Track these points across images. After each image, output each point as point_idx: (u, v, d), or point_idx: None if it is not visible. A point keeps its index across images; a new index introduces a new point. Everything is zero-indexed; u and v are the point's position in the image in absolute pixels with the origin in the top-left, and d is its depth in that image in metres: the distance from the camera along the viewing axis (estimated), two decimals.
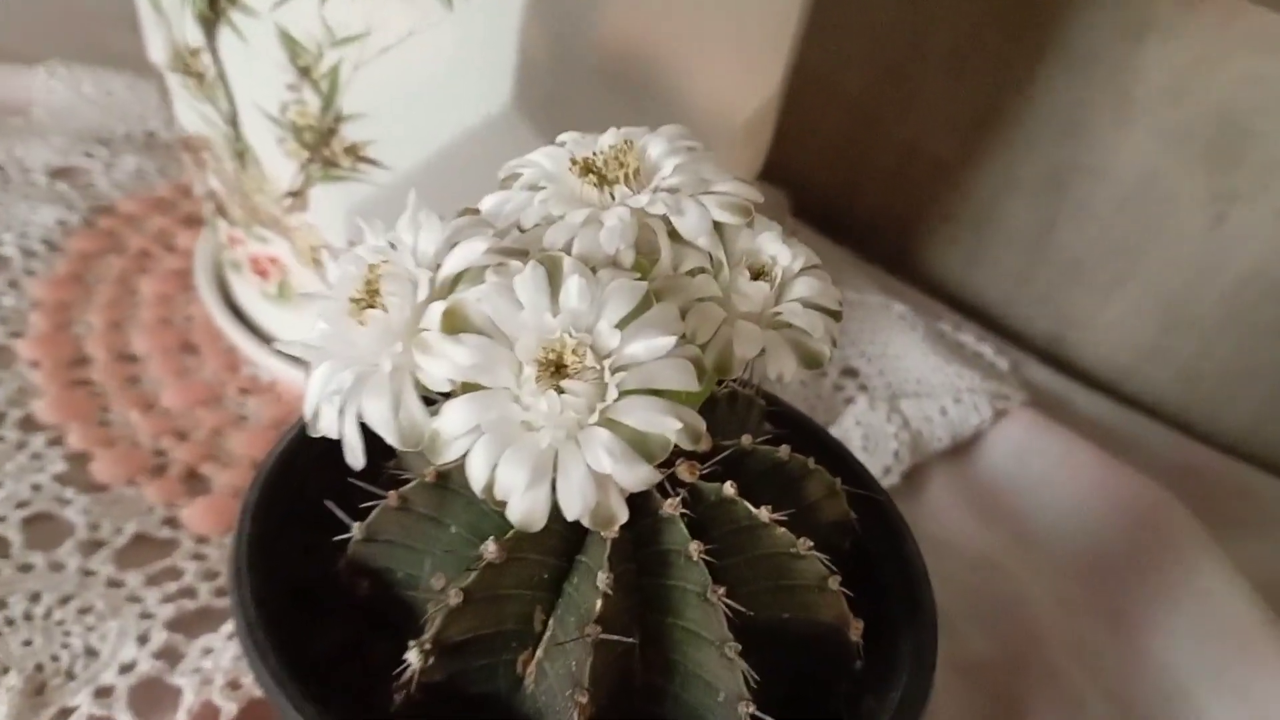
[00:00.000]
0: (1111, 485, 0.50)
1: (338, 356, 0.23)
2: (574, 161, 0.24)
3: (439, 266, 0.22)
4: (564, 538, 0.25)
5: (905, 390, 0.55)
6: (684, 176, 0.23)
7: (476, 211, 0.24)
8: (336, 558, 0.29)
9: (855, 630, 0.26)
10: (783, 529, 0.25)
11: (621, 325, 0.21)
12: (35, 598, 0.38)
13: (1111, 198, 0.57)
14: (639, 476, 0.20)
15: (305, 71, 0.39)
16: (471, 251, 0.22)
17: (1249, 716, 0.42)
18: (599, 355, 0.20)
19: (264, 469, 0.29)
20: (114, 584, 0.40)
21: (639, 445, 0.20)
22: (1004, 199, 0.61)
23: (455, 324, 0.21)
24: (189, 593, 0.40)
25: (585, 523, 0.20)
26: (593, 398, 0.20)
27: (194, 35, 0.41)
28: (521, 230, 0.24)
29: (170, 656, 0.38)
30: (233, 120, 0.42)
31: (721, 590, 0.24)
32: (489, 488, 0.20)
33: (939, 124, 0.62)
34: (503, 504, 0.20)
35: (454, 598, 0.24)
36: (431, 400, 0.22)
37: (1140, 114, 0.54)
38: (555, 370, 0.20)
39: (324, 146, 0.41)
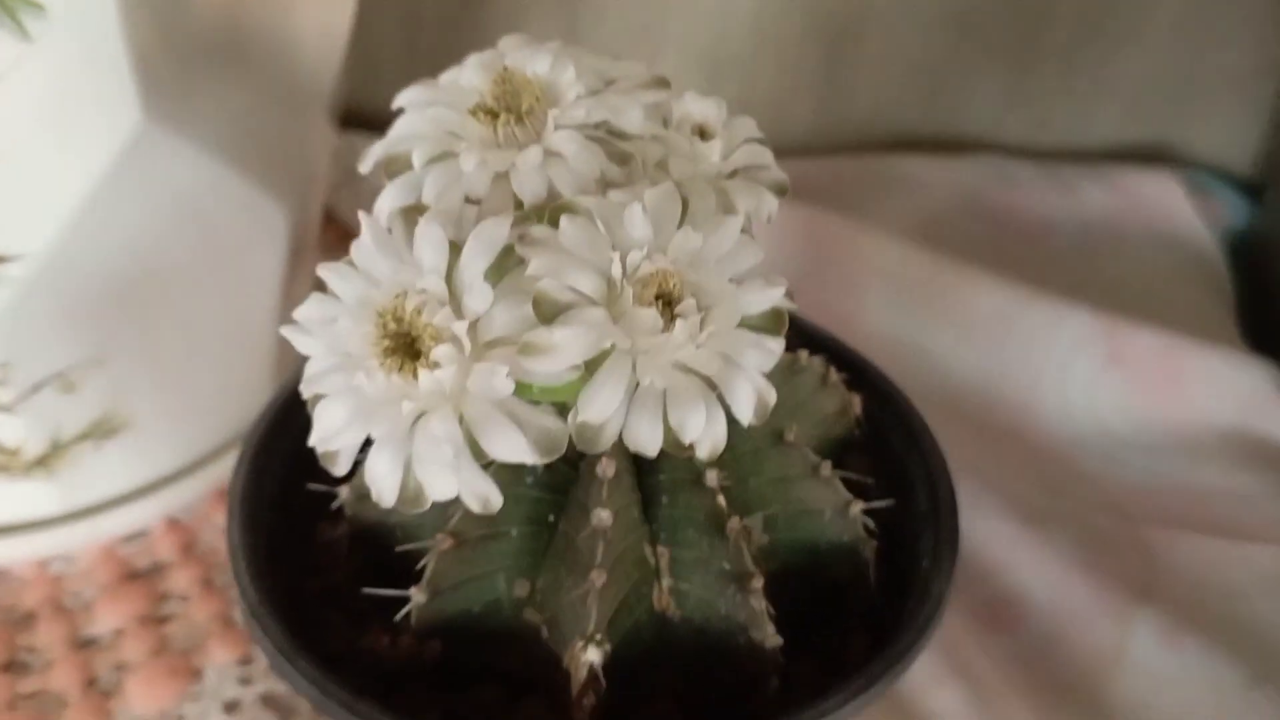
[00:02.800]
0: (774, 227, 0.56)
1: (396, 422, 0.20)
2: (472, 111, 0.22)
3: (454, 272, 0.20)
4: (631, 471, 0.24)
5: None
6: (587, 78, 0.22)
7: (419, 209, 0.21)
8: (371, 644, 0.26)
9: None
10: (805, 449, 0.26)
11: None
12: None
13: None
14: (777, 350, 0.20)
15: None
16: (495, 236, 0.19)
17: (965, 332, 0.51)
18: (689, 267, 0.20)
19: (253, 604, 0.25)
20: None
21: (766, 325, 0.20)
22: (522, 27, 0.62)
23: (548, 311, 0.19)
24: None
25: (756, 421, 0.20)
26: (701, 310, 0.20)
27: None
28: (474, 201, 0.21)
29: None
30: None
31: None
32: (670, 442, 0.19)
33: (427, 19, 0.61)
34: (689, 447, 0.20)
35: (598, 579, 0.23)
36: None
37: None
38: (665, 302, 0.19)
39: None
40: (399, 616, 0.24)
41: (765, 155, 0.24)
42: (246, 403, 0.44)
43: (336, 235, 0.55)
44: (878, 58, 0.62)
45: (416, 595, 0.24)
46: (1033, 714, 0.38)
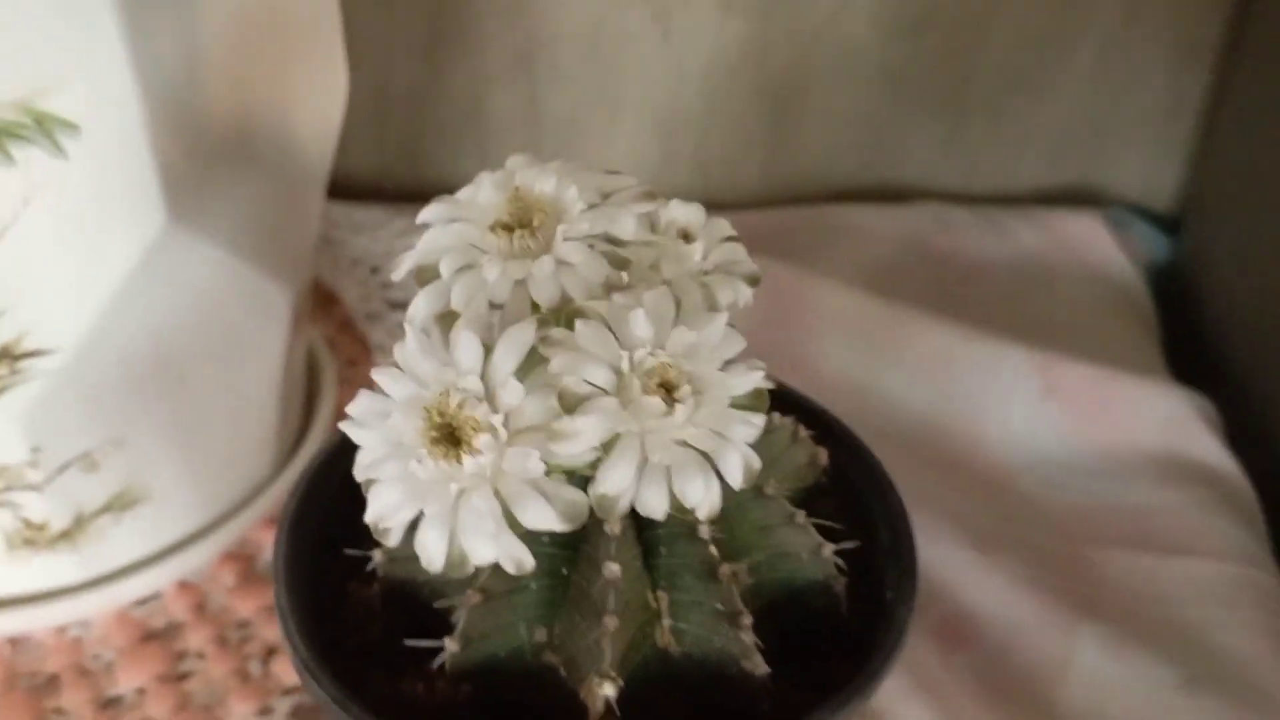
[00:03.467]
0: None
1: (441, 499, 0.23)
2: (491, 227, 0.26)
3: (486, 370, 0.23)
4: (632, 528, 0.28)
5: None
6: (589, 194, 0.26)
7: (453, 315, 0.25)
8: (411, 691, 0.29)
9: (840, 585, 0.32)
10: (782, 500, 0.29)
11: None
12: None
13: (575, 55, 0.64)
14: (761, 424, 0.24)
15: None
16: (523, 339, 0.23)
17: (915, 373, 0.55)
18: (684, 358, 0.24)
19: (305, 661, 0.28)
20: None
21: (751, 404, 0.24)
22: (486, 97, 0.66)
23: (570, 403, 0.23)
24: None
25: (745, 484, 0.24)
26: (694, 393, 0.24)
27: None
28: (496, 306, 0.25)
29: None
30: None
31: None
32: (676, 506, 0.23)
33: (398, 52, 0.65)
34: (690, 511, 0.23)
35: (611, 623, 0.26)
36: None
37: None
38: (666, 389, 0.23)
39: None
40: (435, 664, 0.27)
41: (739, 251, 0.28)
42: (251, 467, 0.47)
43: (318, 297, 0.59)
44: (820, 113, 0.66)
45: (450, 645, 0.27)
46: None
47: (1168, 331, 0.61)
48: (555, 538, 0.28)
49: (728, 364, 0.24)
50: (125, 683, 0.43)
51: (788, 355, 0.57)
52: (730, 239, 0.28)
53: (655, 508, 0.23)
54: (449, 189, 0.27)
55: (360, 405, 0.24)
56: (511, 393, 0.23)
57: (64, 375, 0.36)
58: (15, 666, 0.44)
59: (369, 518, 0.24)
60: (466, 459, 0.22)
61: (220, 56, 0.36)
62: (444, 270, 0.26)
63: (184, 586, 0.47)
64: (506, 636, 0.28)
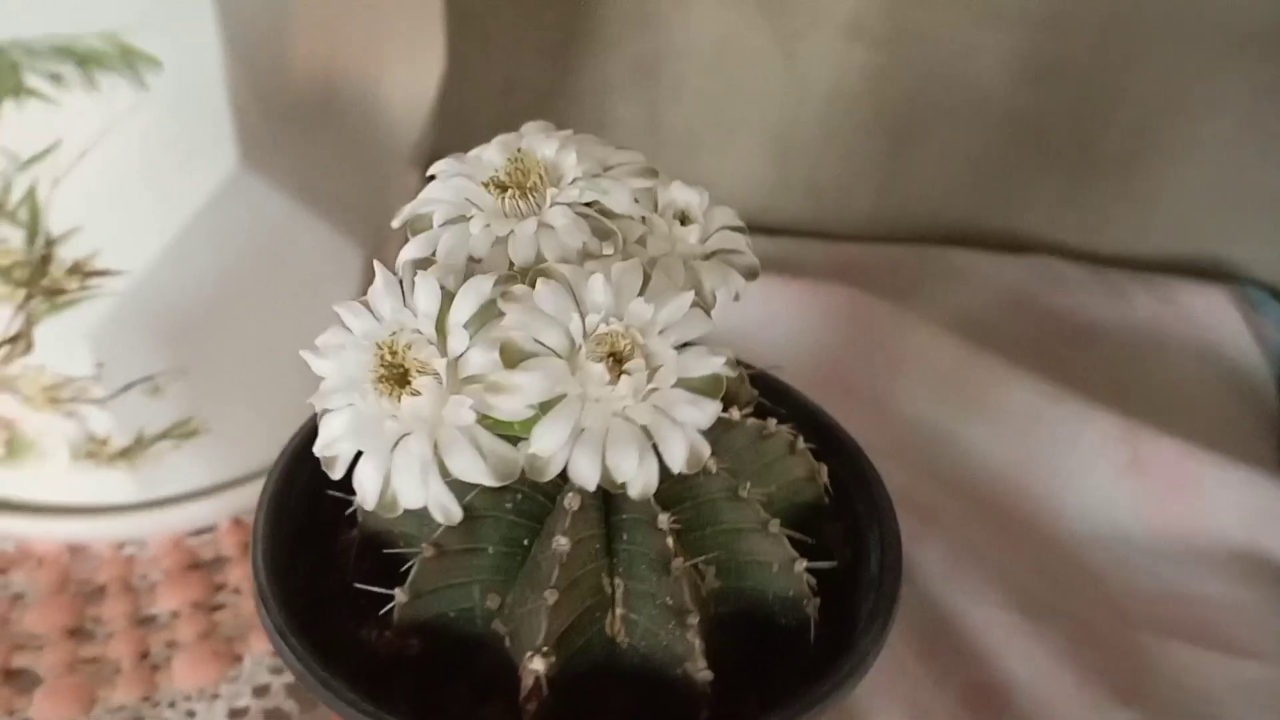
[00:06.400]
0: (809, 301, 0.59)
1: (383, 438, 0.23)
2: (485, 184, 0.26)
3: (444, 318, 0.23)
4: (598, 508, 0.28)
5: None
6: (587, 162, 0.26)
7: (426, 262, 0.25)
8: (360, 639, 0.29)
9: (822, 474, 0.31)
10: (751, 419, 0.29)
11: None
12: None
13: (697, 70, 0.65)
14: (713, 412, 0.23)
15: None
16: (481, 290, 0.23)
17: (997, 428, 0.53)
18: (640, 332, 0.23)
19: (265, 590, 0.29)
20: None
21: (704, 388, 0.23)
22: (606, 102, 0.67)
23: (513, 357, 0.23)
24: None
25: (687, 469, 0.23)
26: (648, 369, 0.23)
27: None
28: (475, 260, 0.25)
29: None
30: None
31: (748, 485, 0.28)
32: (606, 478, 0.23)
33: (527, 52, 0.66)
34: (622, 485, 0.23)
35: (550, 597, 0.26)
36: None
37: None
38: (612, 359, 0.23)
39: (41, 278, 0.37)
40: (383, 611, 0.28)
41: (739, 241, 0.27)
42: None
43: None
44: (939, 152, 0.65)
45: (400, 595, 0.27)
46: None
47: None
48: (521, 508, 0.28)
49: (687, 345, 0.24)
50: (162, 604, 0.45)
51: (870, 390, 0.56)
52: (732, 228, 0.28)
53: (586, 476, 0.23)
54: None
55: (326, 337, 0.25)
56: (458, 340, 0.23)
57: (130, 298, 0.39)
58: (70, 572, 0.46)
59: (316, 447, 0.24)
60: (405, 399, 0.23)
61: (310, 18, 0.37)
62: (435, 221, 0.26)
63: (238, 523, 0.49)
64: (459, 597, 0.28)
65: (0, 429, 0.43)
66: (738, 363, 0.32)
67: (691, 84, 0.65)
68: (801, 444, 0.31)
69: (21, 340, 0.39)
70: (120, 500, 0.46)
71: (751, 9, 0.62)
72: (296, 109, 0.39)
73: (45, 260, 0.37)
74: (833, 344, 0.57)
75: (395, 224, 0.27)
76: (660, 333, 0.23)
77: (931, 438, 0.54)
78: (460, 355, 0.23)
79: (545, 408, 0.23)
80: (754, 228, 0.66)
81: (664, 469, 0.24)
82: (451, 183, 0.27)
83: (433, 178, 0.27)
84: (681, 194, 0.27)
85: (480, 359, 0.23)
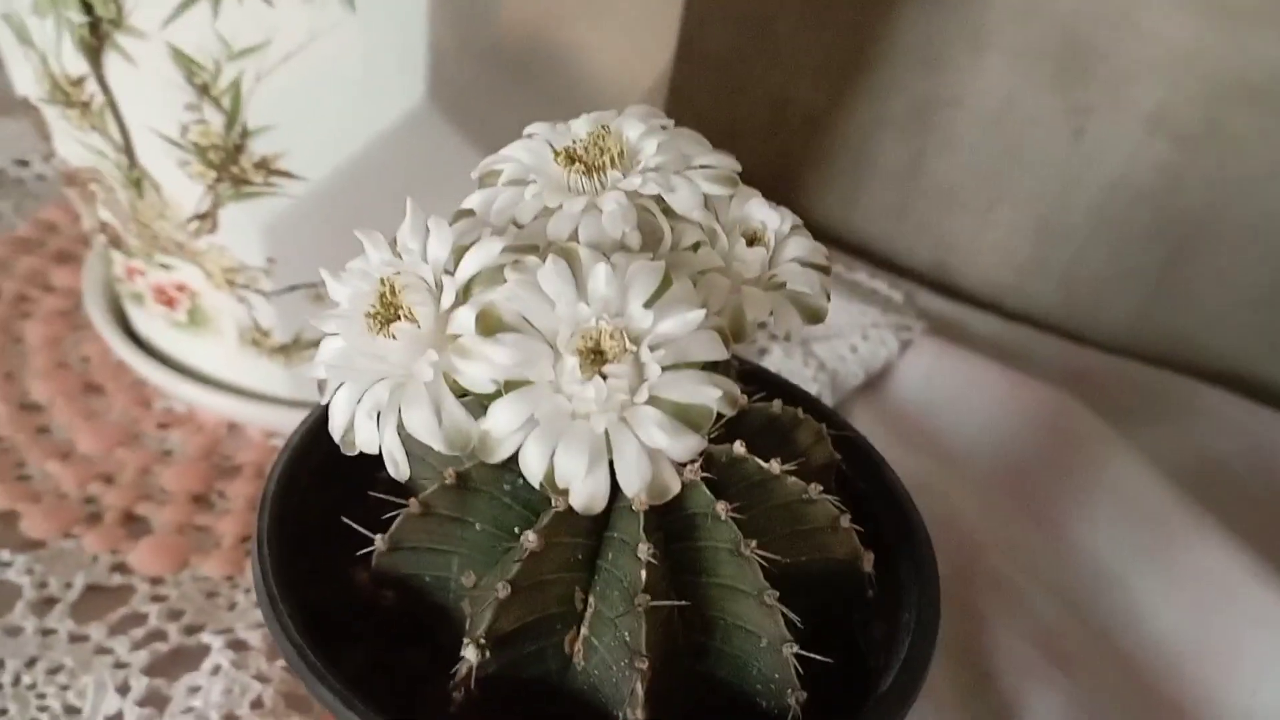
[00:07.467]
0: (1016, 396, 0.53)
1: (362, 373, 0.23)
2: (556, 152, 0.25)
3: (452, 271, 0.22)
4: (592, 517, 0.26)
5: (814, 334, 0.57)
6: (667, 155, 0.24)
7: (470, 213, 0.24)
8: (347, 577, 0.29)
9: (867, 562, 0.28)
10: (792, 478, 0.26)
11: (649, 305, 0.21)
12: None
13: (975, 124, 0.60)
14: (689, 446, 0.21)
15: (204, 89, 0.38)
16: (488, 252, 0.22)
17: (1174, 588, 0.46)
18: (633, 337, 0.21)
19: (268, 495, 0.29)
20: (77, 639, 0.39)
21: (685, 417, 0.21)
22: (874, 138, 0.64)
23: (490, 325, 0.21)
24: (158, 635, 0.39)
25: (642, 497, 0.21)
26: (633, 379, 0.21)
27: (74, 64, 0.39)
28: (518, 226, 0.24)
29: (156, 701, 0.37)
30: (126, 148, 0.41)
31: (753, 544, 0.25)
32: (549, 477, 0.21)
33: (805, 72, 0.64)
34: (563, 491, 0.21)
35: (502, 590, 0.24)
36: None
37: (992, 40, 0.57)
38: (595, 357, 0.21)
39: (232, 164, 0.40)
40: (360, 553, 0.27)
41: (813, 280, 0.24)
42: None
43: None
44: (1223, 275, 0.57)
45: (379, 541, 0.27)
46: None
47: None
48: (520, 494, 0.27)
49: (684, 365, 0.21)
50: None
51: (1043, 505, 0.50)
52: (812, 265, 0.25)
53: (532, 470, 0.21)
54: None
55: (354, 263, 0.24)
56: (449, 294, 0.22)
57: (305, 204, 0.40)
58: (219, 446, 0.49)
59: (312, 369, 0.24)
60: (381, 340, 0.22)
61: None
62: (502, 179, 0.25)
63: None
64: (437, 563, 0.27)
65: (187, 298, 0.46)
66: (821, 419, 0.30)
67: (965, 138, 0.61)
68: (846, 522, 0.27)
69: (209, 218, 0.42)
70: (275, 392, 0.49)
71: (1048, 72, 0.57)
72: (494, 61, 0.39)
73: (238, 149, 0.39)
74: (1023, 448, 0.52)
75: (473, 175, 0.26)
76: (656, 346, 0.21)
77: (1095, 574, 0.48)
78: (447, 311, 0.22)
79: (510, 386, 0.21)
80: (994, 309, 0.61)
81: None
82: (532, 145, 0.26)
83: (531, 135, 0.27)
84: (759, 212, 0.24)
85: (465, 319, 0.22)
